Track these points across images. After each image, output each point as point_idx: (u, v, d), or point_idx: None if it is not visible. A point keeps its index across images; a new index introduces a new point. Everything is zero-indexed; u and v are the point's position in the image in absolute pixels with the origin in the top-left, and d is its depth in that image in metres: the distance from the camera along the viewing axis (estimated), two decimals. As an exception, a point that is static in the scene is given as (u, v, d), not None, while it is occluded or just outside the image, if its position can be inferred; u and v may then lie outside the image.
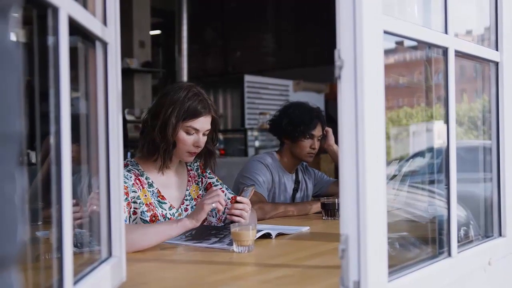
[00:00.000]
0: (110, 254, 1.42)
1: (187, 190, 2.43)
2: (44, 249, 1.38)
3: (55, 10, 1.03)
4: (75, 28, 1.15)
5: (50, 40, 1.05)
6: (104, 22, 1.40)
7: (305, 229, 2.44)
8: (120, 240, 1.44)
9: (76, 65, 1.34)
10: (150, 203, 2.26)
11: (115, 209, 1.43)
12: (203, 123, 2.30)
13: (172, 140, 2.26)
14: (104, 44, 1.40)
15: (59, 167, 1.03)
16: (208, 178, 2.52)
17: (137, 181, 2.25)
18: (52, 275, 1.08)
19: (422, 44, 1.65)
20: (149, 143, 2.28)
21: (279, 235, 2.27)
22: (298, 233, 2.37)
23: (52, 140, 1.03)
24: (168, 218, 2.30)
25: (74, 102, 1.12)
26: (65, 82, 1.05)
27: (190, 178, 2.47)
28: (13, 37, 0.62)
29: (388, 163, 1.32)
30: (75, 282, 1.12)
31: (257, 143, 7.83)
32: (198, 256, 1.89)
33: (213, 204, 2.04)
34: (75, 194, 1.10)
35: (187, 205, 2.40)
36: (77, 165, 1.29)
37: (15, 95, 0.60)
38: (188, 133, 2.27)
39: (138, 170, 2.30)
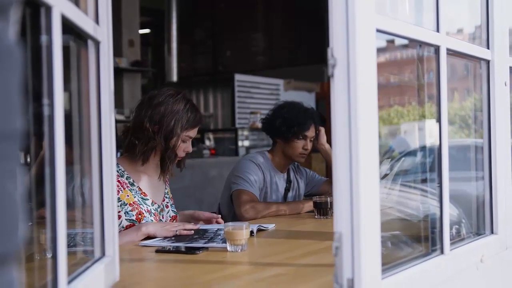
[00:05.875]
0: (103, 253, 1.41)
1: (166, 188, 2.56)
2: (37, 249, 1.37)
3: (48, 9, 1.02)
4: (67, 27, 1.15)
5: (43, 38, 1.04)
6: (97, 21, 1.39)
7: (271, 226, 2.48)
8: (113, 240, 1.44)
9: (68, 64, 1.33)
10: (133, 202, 2.34)
11: (108, 209, 1.42)
12: (196, 131, 2.46)
13: (176, 149, 2.37)
14: (97, 43, 1.39)
15: (52, 167, 1.03)
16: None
17: (117, 182, 2.28)
18: (45, 275, 1.08)
19: (413, 43, 1.66)
20: (150, 150, 2.36)
21: (259, 230, 2.33)
22: (290, 232, 2.41)
23: (45, 140, 1.03)
24: (153, 213, 2.39)
25: (65, 102, 1.12)
26: (58, 81, 1.04)
27: (166, 179, 2.59)
28: (13, 36, 0.61)
29: (380, 162, 1.32)
30: (69, 282, 1.12)
31: (248, 143, 7.82)
32: (191, 256, 1.89)
33: (177, 232, 2.21)
34: (66, 195, 1.10)
35: (167, 202, 2.53)
36: (68, 165, 1.28)
37: (16, 94, 0.61)
38: (183, 141, 2.40)
39: (118, 171, 2.34)
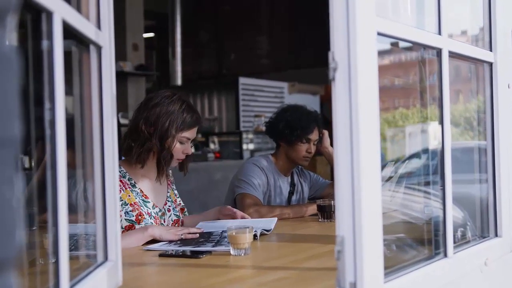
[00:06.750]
0: (106, 258, 1.41)
1: (168, 192, 2.55)
2: (40, 253, 1.38)
3: (49, 14, 1.03)
4: (69, 32, 1.15)
5: (44, 44, 1.04)
6: (98, 26, 1.39)
7: (274, 220, 2.52)
8: (116, 244, 1.44)
9: (70, 69, 1.34)
10: (134, 202, 2.35)
11: (111, 213, 1.42)
12: (195, 132, 2.45)
13: (171, 150, 2.36)
14: (98, 48, 1.39)
15: (54, 171, 1.03)
16: (175, 189, 2.65)
17: (119, 182, 2.29)
18: (47, 280, 1.08)
19: (417, 45, 1.65)
20: (146, 152, 2.36)
21: (262, 235, 2.32)
22: (293, 235, 2.41)
23: (47, 144, 1.03)
24: (153, 216, 2.39)
25: (68, 106, 1.12)
26: (59, 86, 1.04)
27: (169, 182, 2.59)
28: (10, 42, 0.62)
29: (384, 164, 1.32)
30: (71, 286, 1.12)
31: (252, 146, 7.81)
32: (194, 260, 1.89)
33: (182, 236, 2.20)
34: (70, 199, 1.10)
35: (169, 206, 2.53)
36: (71, 170, 1.28)
37: (13, 100, 0.61)
38: (181, 142, 2.40)
39: (120, 172, 2.35)
